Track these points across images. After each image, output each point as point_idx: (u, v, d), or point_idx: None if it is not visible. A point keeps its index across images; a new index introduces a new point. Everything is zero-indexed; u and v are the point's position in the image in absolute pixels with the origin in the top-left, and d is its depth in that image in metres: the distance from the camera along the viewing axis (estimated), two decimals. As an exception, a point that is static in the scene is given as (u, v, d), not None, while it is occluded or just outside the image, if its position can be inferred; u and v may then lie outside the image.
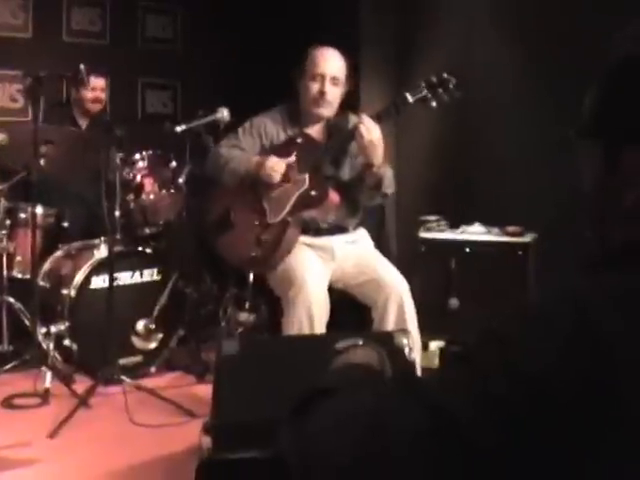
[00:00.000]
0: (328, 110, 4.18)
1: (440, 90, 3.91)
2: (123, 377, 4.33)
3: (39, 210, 4.81)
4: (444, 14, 5.60)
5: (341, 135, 4.13)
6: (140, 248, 4.98)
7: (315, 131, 4.25)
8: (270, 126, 4.25)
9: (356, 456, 1.06)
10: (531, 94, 5.04)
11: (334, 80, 4.12)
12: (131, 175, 4.97)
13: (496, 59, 5.29)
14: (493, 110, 5.29)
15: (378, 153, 3.90)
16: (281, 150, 4.16)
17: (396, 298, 3.87)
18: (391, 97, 5.15)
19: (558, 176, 4.59)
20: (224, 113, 4.49)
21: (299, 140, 4.17)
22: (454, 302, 4.81)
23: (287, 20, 6.23)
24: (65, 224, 5.13)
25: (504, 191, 5.21)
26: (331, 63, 4.14)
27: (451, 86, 3.91)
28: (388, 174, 4.03)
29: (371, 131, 3.85)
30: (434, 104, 3.94)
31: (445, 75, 3.93)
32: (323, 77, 4.10)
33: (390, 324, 3.83)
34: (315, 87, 4.11)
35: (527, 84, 5.09)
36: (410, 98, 3.91)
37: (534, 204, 4.95)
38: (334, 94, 4.14)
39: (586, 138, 1.17)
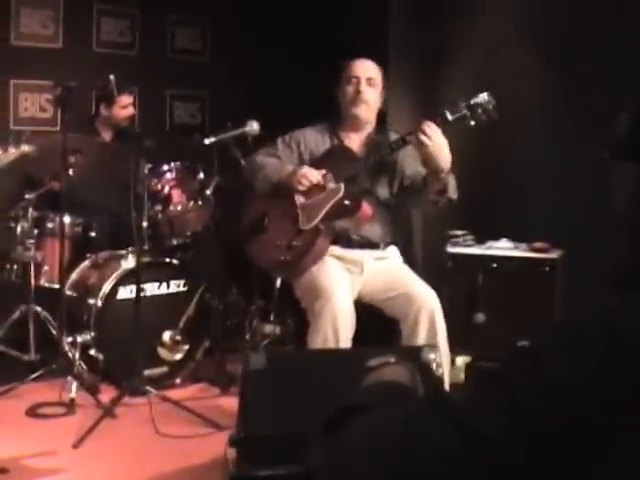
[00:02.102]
0: (365, 111, 4.24)
1: (480, 110, 3.89)
2: (148, 388, 4.34)
3: (67, 220, 4.81)
4: (472, 30, 5.59)
5: (380, 150, 4.15)
6: (167, 259, 4.99)
7: (355, 144, 4.29)
8: (309, 138, 4.32)
9: (388, 474, 1.06)
10: (557, 109, 5.02)
11: (369, 80, 4.23)
12: (159, 186, 4.98)
13: (522, 75, 5.27)
14: (520, 125, 5.27)
15: (446, 157, 3.85)
16: (321, 161, 4.21)
17: (427, 312, 3.87)
18: (418, 112, 5.17)
19: (586, 193, 4.58)
20: (253, 126, 4.49)
21: (338, 150, 4.22)
22: (480, 317, 4.80)
23: (316, 34, 6.24)
24: (92, 234, 5.13)
25: (531, 207, 5.19)
26: (365, 66, 4.27)
27: (491, 107, 3.90)
28: (452, 180, 4.01)
29: (432, 137, 3.81)
30: (472, 123, 3.93)
31: (486, 97, 3.90)
32: (358, 79, 4.22)
33: (421, 338, 3.83)
34: (351, 89, 4.23)
35: (553, 99, 5.07)
36: (450, 116, 3.90)
37: (561, 220, 4.93)
38: (370, 94, 4.23)
39: (620, 160, 1.18)
